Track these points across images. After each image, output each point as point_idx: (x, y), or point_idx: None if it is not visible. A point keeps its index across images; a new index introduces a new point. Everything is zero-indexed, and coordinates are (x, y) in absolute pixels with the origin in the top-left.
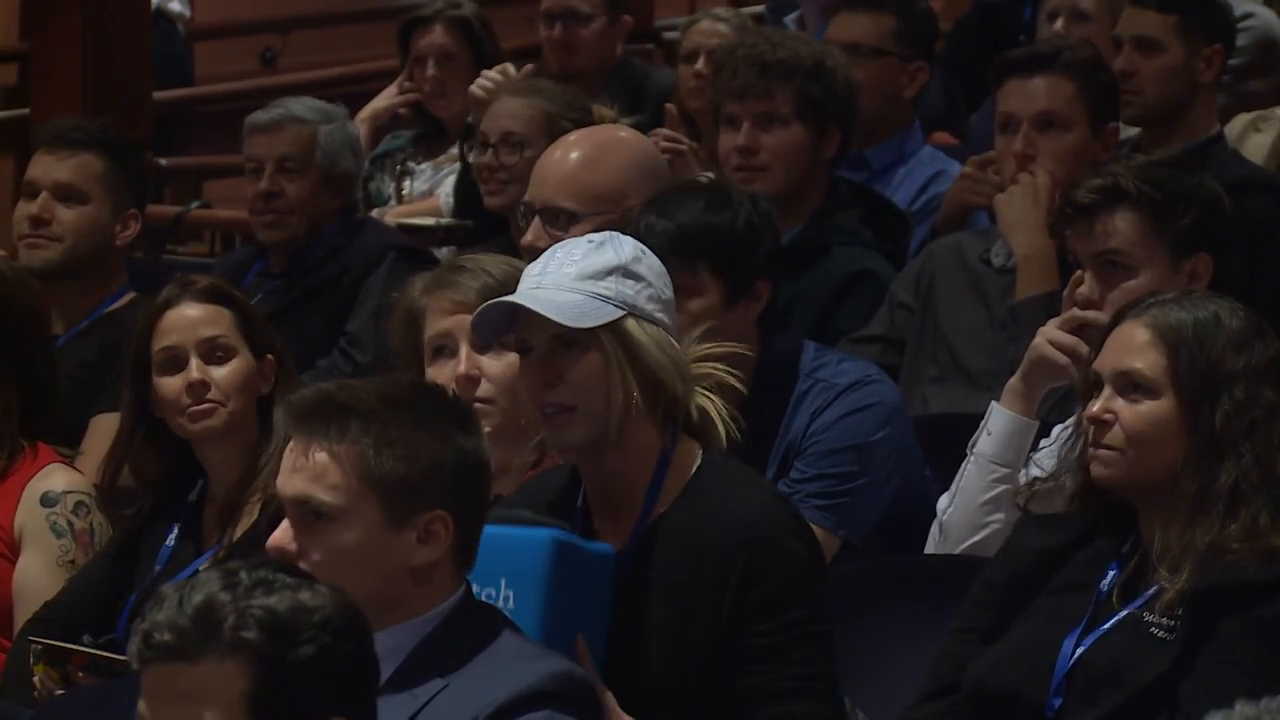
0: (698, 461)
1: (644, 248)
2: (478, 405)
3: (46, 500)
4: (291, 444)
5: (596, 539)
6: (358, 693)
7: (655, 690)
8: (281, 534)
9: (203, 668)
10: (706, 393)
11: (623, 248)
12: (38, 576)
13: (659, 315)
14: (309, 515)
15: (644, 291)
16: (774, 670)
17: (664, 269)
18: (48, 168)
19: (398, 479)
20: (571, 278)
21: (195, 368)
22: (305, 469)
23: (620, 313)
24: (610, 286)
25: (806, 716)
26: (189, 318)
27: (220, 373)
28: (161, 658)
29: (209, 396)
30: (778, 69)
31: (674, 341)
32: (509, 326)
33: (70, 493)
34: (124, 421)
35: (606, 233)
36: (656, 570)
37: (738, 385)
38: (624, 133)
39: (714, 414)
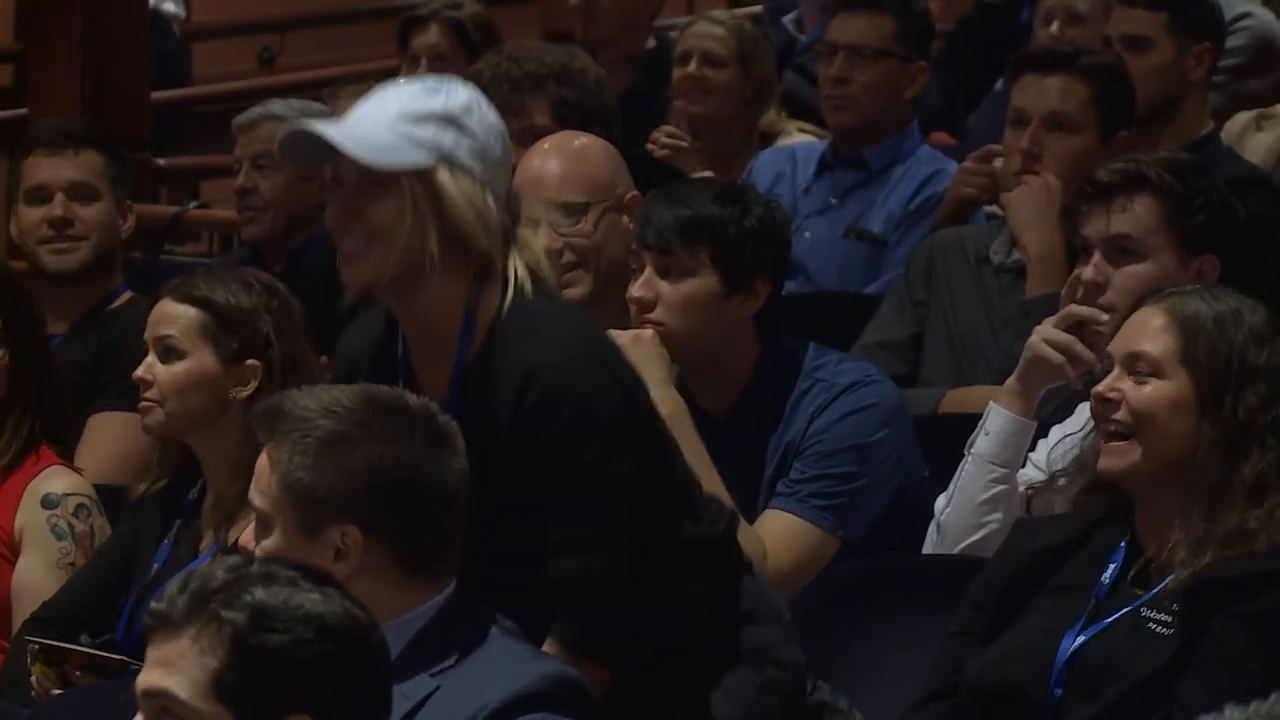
0: (501, 307)
1: (483, 101)
2: None
3: (47, 502)
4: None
5: (419, 385)
6: (331, 696)
7: (483, 544)
8: (247, 533)
9: (183, 638)
10: (523, 258)
11: (455, 95)
12: (38, 578)
13: (478, 170)
14: (257, 516)
15: (465, 144)
16: (567, 520)
17: (504, 129)
18: (57, 169)
19: (304, 489)
20: (391, 115)
21: (145, 364)
22: (255, 471)
23: (430, 160)
24: (428, 133)
25: (587, 572)
26: (158, 314)
27: (163, 371)
28: (153, 624)
29: (146, 394)
30: (527, 82)
31: (489, 199)
32: (326, 158)
33: (71, 495)
34: None
35: (446, 78)
36: (469, 418)
37: (545, 265)
38: (583, 135)
39: (514, 276)
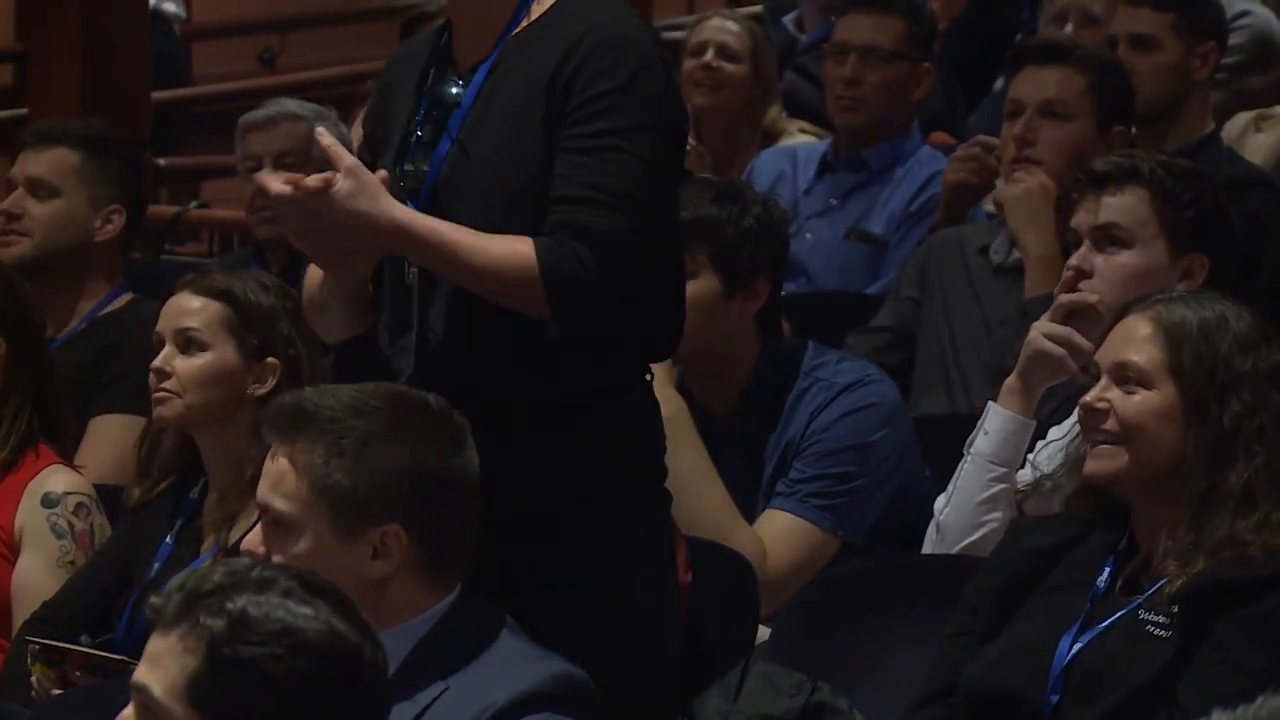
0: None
1: None
2: None
3: (47, 501)
4: (271, 448)
5: (456, 55)
6: (306, 713)
7: (487, 186)
8: (253, 537)
9: (170, 637)
10: None
11: None
12: (38, 577)
13: None
14: (271, 521)
15: None
16: (577, 173)
17: None
18: (23, 163)
19: (344, 491)
20: None
21: (162, 355)
22: (269, 474)
23: None
24: None
25: (589, 224)
26: (176, 306)
27: (183, 363)
28: (151, 619)
29: (164, 385)
30: None
31: None
32: None
33: (71, 494)
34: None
35: None
36: (508, 78)
37: None
38: None
39: None
